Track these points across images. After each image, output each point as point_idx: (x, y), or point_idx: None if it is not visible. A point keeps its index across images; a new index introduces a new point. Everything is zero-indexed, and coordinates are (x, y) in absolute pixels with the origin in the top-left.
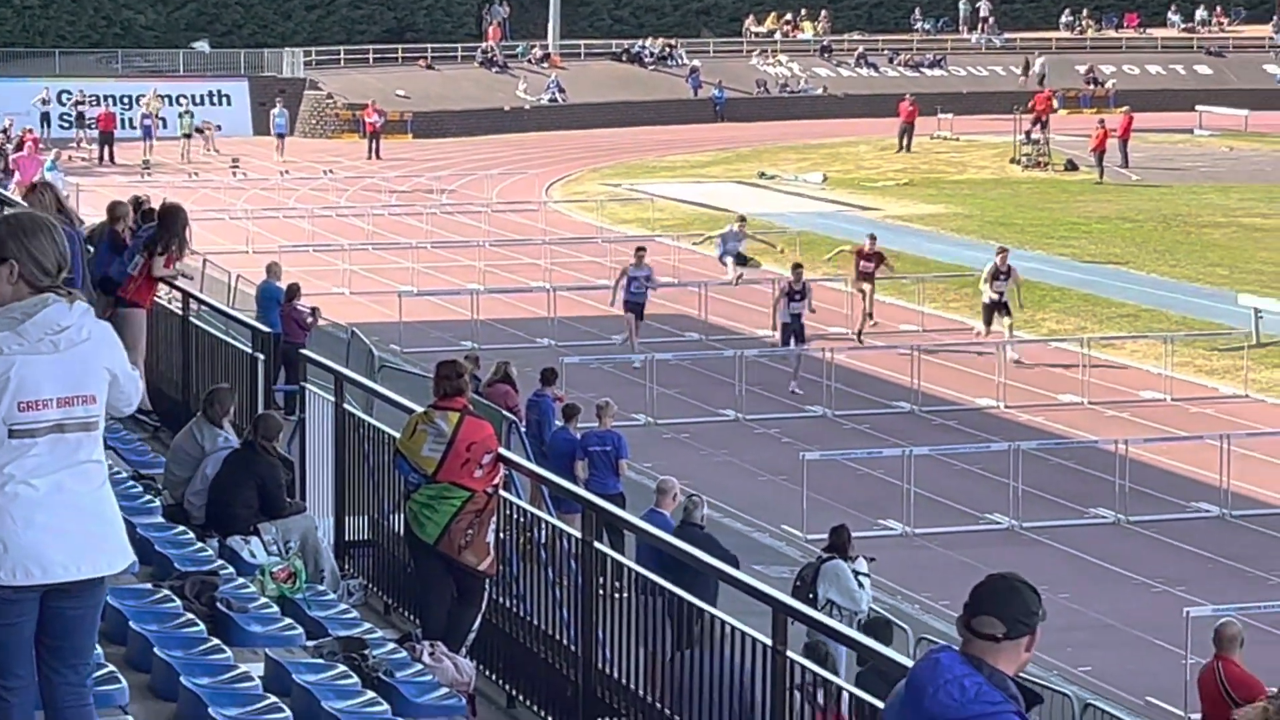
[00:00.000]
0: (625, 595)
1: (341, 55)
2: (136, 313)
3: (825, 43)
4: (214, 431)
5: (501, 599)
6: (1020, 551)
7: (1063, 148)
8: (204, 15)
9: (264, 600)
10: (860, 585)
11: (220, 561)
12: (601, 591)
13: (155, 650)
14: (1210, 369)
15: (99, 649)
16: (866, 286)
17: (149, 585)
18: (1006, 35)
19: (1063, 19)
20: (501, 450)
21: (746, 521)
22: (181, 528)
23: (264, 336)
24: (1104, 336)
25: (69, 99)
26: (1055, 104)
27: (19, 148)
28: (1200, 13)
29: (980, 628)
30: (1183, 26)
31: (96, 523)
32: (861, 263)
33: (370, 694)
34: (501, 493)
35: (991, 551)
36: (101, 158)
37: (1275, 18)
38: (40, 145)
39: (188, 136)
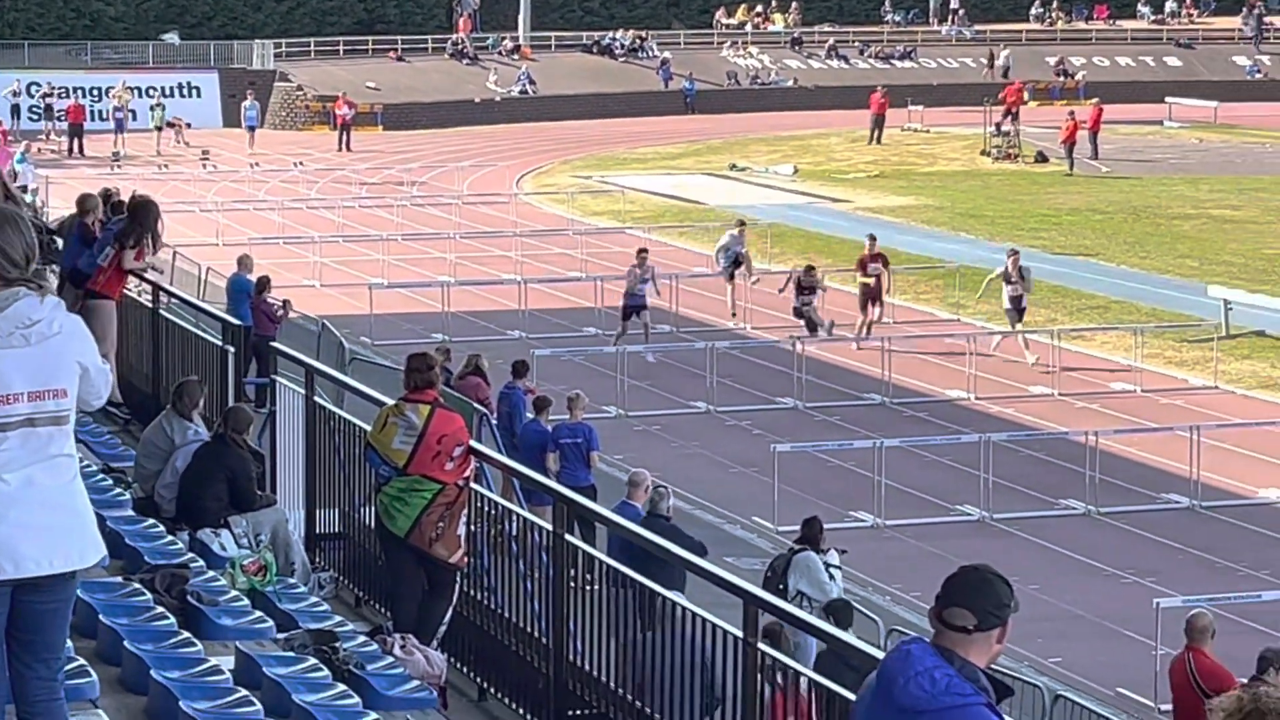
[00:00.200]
0: (596, 588)
1: (312, 47)
2: (106, 305)
3: (796, 35)
4: (184, 424)
5: (473, 591)
6: (991, 543)
7: (1033, 139)
8: (173, 7)
9: (234, 593)
10: (831, 577)
11: (190, 555)
12: (573, 584)
13: (126, 644)
14: (1180, 360)
15: (70, 643)
16: (873, 285)
17: (119, 579)
18: (977, 27)
19: (1033, 10)
20: (472, 443)
21: (717, 513)
22: (152, 521)
23: (234, 329)
24: (1074, 328)
25: (37, 91)
26: (1026, 96)
27: None
28: (1170, 4)
29: (952, 619)
30: (1152, 18)
31: (68, 517)
32: (869, 265)
33: (341, 687)
34: (473, 485)
35: (962, 543)
36: (71, 150)
37: (1244, 10)
38: (9, 137)
39: (159, 129)
